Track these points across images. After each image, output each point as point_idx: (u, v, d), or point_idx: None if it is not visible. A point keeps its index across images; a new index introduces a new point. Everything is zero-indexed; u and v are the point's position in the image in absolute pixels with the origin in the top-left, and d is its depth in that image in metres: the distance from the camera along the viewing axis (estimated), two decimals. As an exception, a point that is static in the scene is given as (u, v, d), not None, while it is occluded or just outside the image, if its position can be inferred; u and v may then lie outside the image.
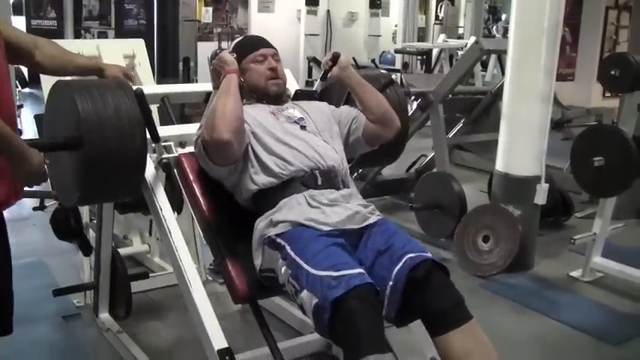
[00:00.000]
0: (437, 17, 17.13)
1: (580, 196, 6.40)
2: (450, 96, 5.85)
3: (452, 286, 2.51)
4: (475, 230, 4.89)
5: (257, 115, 2.87)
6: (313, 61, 3.45)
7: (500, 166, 4.99)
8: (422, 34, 16.07)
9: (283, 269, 2.53)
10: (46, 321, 3.97)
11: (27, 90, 11.61)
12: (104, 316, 3.87)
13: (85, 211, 4.15)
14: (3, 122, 2.27)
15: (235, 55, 2.92)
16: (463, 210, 5.20)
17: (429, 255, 2.54)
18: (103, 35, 12.25)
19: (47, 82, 4.51)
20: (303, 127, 2.91)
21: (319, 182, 2.76)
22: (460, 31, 16.65)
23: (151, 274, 4.24)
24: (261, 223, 2.71)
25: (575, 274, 4.97)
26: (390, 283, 2.47)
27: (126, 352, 3.55)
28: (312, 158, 2.79)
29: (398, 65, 13.77)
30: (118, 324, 3.79)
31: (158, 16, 11.56)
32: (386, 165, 5.52)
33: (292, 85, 3.46)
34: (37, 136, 5.19)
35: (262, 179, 2.77)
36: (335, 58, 3.02)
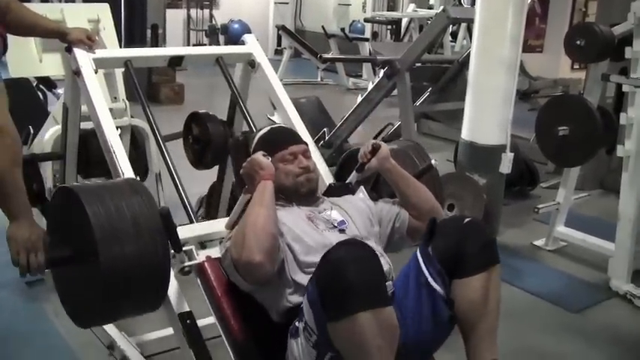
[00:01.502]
0: (407, -13, 17.07)
1: (546, 166, 6.46)
2: (417, 65, 5.84)
3: (477, 224, 2.43)
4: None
5: (292, 224, 2.48)
6: (349, 159, 3.17)
7: (465, 134, 5.00)
8: (392, 4, 16.00)
9: (300, 334, 2.23)
10: (8, 286, 3.95)
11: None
12: (67, 281, 3.83)
13: (48, 176, 4.11)
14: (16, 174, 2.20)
15: (270, 159, 2.54)
16: (439, 190, 5.21)
17: None
18: (70, 0, 12.06)
19: (11, 46, 4.47)
20: (342, 231, 2.53)
21: None
22: (431, 1, 16.63)
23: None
24: (290, 328, 2.35)
25: (538, 242, 5.03)
26: (430, 279, 2.30)
27: (88, 317, 3.53)
28: None
29: (367, 34, 13.73)
30: (81, 289, 3.76)
31: (125, -18, 11.42)
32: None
33: (325, 179, 3.09)
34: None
35: (299, 299, 2.33)
36: (375, 149, 2.71)
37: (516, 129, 5.39)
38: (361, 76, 12.26)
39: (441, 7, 6.84)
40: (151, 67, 8.63)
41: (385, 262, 2.47)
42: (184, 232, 2.62)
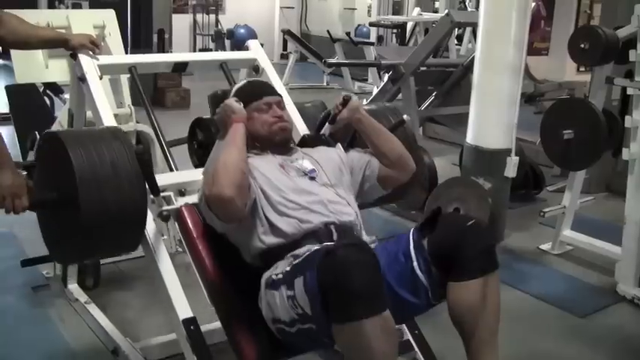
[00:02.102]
0: (413, -9, 17.06)
1: (552, 169, 6.45)
2: (421, 68, 5.84)
3: (479, 226, 2.46)
4: (445, 202, 4.89)
5: (265, 170, 2.64)
6: (327, 117, 3.28)
7: (470, 138, 4.99)
8: (397, 8, 15.98)
9: (282, 293, 2.33)
10: (14, 291, 3.96)
11: (0, 61, 11.51)
12: (73, 286, 3.86)
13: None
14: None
15: (243, 106, 2.71)
16: (434, 182, 5.21)
17: None
18: (77, 6, 12.06)
19: (16, 53, 4.50)
20: (312, 179, 2.69)
21: (334, 237, 2.53)
22: (436, 5, 16.61)
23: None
24: (266, 273, 2.50)
25: (544, 246, 5.02)
26: (415, 263, 2.39)
27: (93, 322, 3.56)
28: (326, 214, 2.58)
29: (373, 38, 13.72)
30: (86, 294, 3.79)
31: (132, -13, 11.49)
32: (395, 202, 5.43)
33: (300, 131, 3.28)
34: (8, 108, 5.16)
35: (272, 240, 2.53)
36: (345, 101, 2.89)
37: (522, 132, 5.38)
38: (367, 80, 12.26)
39: (445, 11, 6.83)
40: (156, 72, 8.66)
41: (352, 210, 2.66)
42: (164, 179, 2.87)
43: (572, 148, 4.56)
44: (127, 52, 8.40)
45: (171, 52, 11.30)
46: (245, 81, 3.03)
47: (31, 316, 3.72)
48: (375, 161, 2.85)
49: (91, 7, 11.63)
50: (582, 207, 5.15)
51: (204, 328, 2.63)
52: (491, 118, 4.89)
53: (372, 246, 2.53)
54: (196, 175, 2.82)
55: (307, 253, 2.33)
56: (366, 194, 2.89)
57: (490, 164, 4.89)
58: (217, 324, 2.75)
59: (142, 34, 11.04)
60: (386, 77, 5.84)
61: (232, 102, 2.70)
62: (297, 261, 2.35)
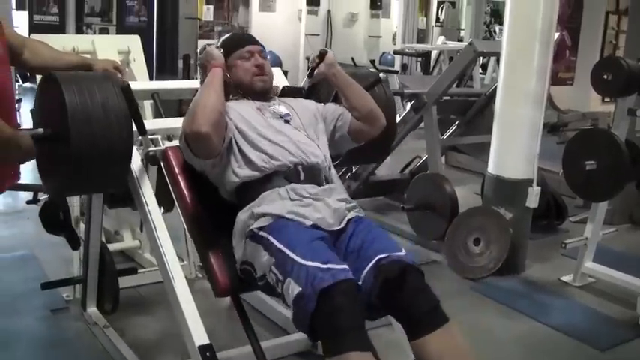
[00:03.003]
0: (437, 19, 17.12)
1: (575, 200, 6.40)
2: (444, 97, 5.83)
3: (426, 289, 2.51)
4: (466, 232, 4.89)
5: (242, 110, 2.89)
6: (309, 74, 3.41)
7: (492, 168, 4.99)
8: (422, 36, 16.05)
9: (265, 258, 2.54)
10: (33, 314, 3.97)
11: (28, 84, 11.65)
12: (92, 310, 3.87)
13: (75, 205, 4.15)
14: None
15: (222, 51, 2.96)
16: (454, 212, 5.20)
17: (403, 254, 2.55)
18: (104, 31, 12.25)
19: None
20: (287, 122, 2.93)
21: (302, 177, 2.78)
22: (461, 33, 16.65)
23: (140, 270, 4.26)
24: (242, 215, 2.73)
25: (566, 278, 4.97)
26: (360, 282, 2.47)
27: (111, 346, 3.56)
28: (295, 154, 2.81)
29: (397, 67, 13.76)
30: (105, 318, 3.79)
31: (158, 13, 11.59)
32: (374, 163, 5.53)
33: (280, 82, 3.49)
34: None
35: (245, 172, 2.78)
36: (322, 55, 3.07)
37: (545, 162, 5.35)
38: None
39: (469, 41, 6.83)
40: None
41: (320, 153, 2.89)
42: (153, 124, 3.18)
43: (594, 179, 4.52)
44: (152, 78, 8.49)
45: (196, 78, 11.37)
46: (230, 33, 3.33)
47: (49, 339, 3.74)
48: (347, 114, 3.06)
49: (118, 32, 11.80)
50: (605, 238, 5.10)
51: (220, 354, 2.63)
52: (513, 148, 4.89)
53: (352, 215, 2.74)
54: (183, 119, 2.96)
55: (305, 264, 2.39)
56: (338, 144, 3.10)
57: (511, 194, 4.89)
58: (234, 351, 2.77)
59: (167, 59, 11.14)
60: (408, 106, 5.83)
61: (213, 49, 2.97)
62: (290, 252, 2.45)
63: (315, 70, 3.07)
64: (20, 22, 11.87)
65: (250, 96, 3.01)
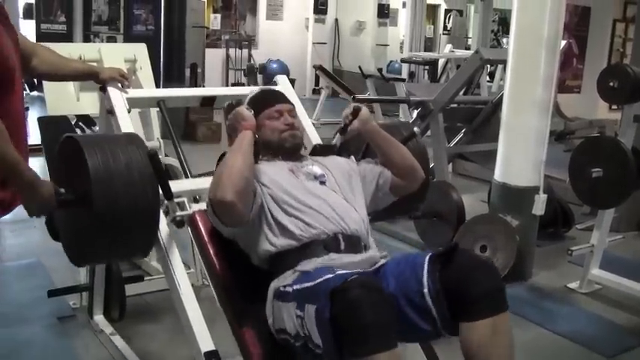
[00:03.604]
0: (445, 27, 17.14)
1: (582, 207, 6.40)
2: (451, 105, 5.84)
3: (490, 267, 2.46)
4: (473, 240, 4.88)
5: (274, 173, 2.70)
6: (341, 130, 3.29)
7: (498, 175, 4.99)
8: (429, 44, 16.07)
9: (289, 309, 2.38)
10: (40, 321, 3.99)
11: (35, 93, 11.69)
12: (98, 317, 3.88)
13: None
14: (16, 152, 2.28)
15: (252, 112, 2.76)
16: (461, 219, 5.20)
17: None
18: (111, 40, 12.26)
19: (48, 85, 4.57)
20: (322, 183, 2.76)
21: (342, 247, 2.60)
22: (469, 42, 16.66)
23: (147, 278, 4.26)
24: (274, 282, 2.56)
25: (572, 285, 4.97)
26: (425, 290, 2.37)
27: (118, 354, 3.58)
28: (334, 220, 2.62)
29: (404, 75, 13.77)
30: (111, 326, 3.81)
31: (165, 22, 11.61)
32: (409, 214, 5.41)
33: (312, 140, 3.36)
34: (39, 140, 5.23)
35: (281, 242, 2.59)
36: (356, 111, 2.88)
37: (551, 170, 5.36)
38: (398, 115, 12.26)
39: (475, 49, 6.84)
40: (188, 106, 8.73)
41: (359, 219, 2.70)
42: (179, 185, 2.95)
43: (601, 187, 4.53)
44: (159, 86, 8.50)
45: (203, 86, 11.40)
46: (259, 89, 3.09)
47: (56, 347, 3.75)
48: (386, 171, 2.91)
49: (125, 41, 11.83)
50: (611, 246, 5.11)
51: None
52: (520, 156, 4.89)
53: (383, 261, 2.61)
54: (210, 182, 2.77)
55: (319, 280, 2.31)
56: (379, 202, 2.93)
57: (518, 202, 4.89)
58: (240, 359, 2.75)
59: (174, 68, 11.14)
60: (415, 114, 5.85)
61: (243, 109, 2.76)
62: (308, 284, 2.35)
63: (349, 127, 2.89)
64: (27, 30, 11.90)
65: (281, 156, 2.82)
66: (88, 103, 4.60)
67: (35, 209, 2.43)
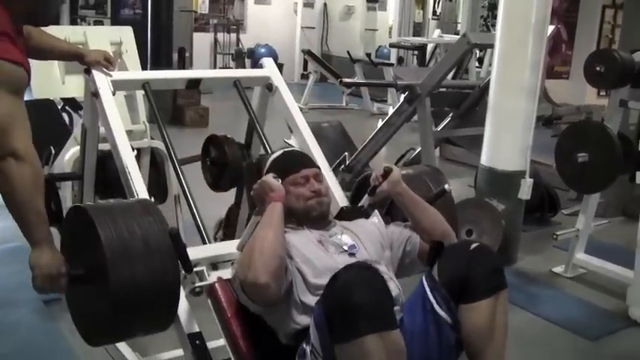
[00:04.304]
0: (434, 13, 17.11)
1: (568, 193, 6.43)
2: (438, 90, 5.84)
3: (485, 249, 2.43)
4: (459, 224, 4.88)
5: (302, 247, 2.49)
6: (364, 183, 3.16)
7: (485, 160, 5.00)
8: (418, 29, 16.03)
9: (308, 356, 2.25)
10: (26, 305, 3.99)
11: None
12: (84, 301, 3.86)
13: (68, 196, 4.15)
14: (43, 208, 2.23)
15: (280, 181, 2.58)
16: (448, 204, 5.20)
17: None
18: (98, 24, 12.20)
19: (33, 68, 4.53)
20: (352, 255, 2.53)
21: None
22: (458, 27, 16.64)
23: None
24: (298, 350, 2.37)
25: (557, 269, 5.00)
26: (435, 305, 2.32)
27: (104, 337, 3.56)
28: None
29: (393, 60, 13.76)
30: (97, 309, 3.79)
31: (152, 6, 11.57)
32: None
33: (339, 202, 3.12)
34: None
35: (307, 322, 2.33)
36: (387, 173, 2.73)
37: (539, 155, 5.36)
38: (386, 101, 12.28)
39: (462, 33, 6.84)
40: (177, 90, 8.70)
41: (395, 286, 2.47)
42: (196, 252, 2.65)
43: (586, 171, 4.55)
44: (147, 70, 8.46)
45: (191, 70, 11.37)
46: (281, 151, 2.86)
47: (42, 330, 3.76)
48: (415, 237, 2.70)
49: (113, 24, 11.77)
50: (597, 231, 5.13)
51: (210, 344, 2.62)
52: (506, 140, 4.91)
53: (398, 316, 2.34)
54: (229, 247, 2.70)
55: None
56: (406, 270, 2.74)
57: (504, 186, 4.91)
58: (223, 341, 2.74)
59: (162, 52, 11.12)
60: (402, 98, 5.84)
61: (270, 179, 2.56)
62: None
63: (378, 189, 2.74)
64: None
65: (306, 224, 2.63)
66: (73, 86, 4.56)
67: (42, 282, 2.27)
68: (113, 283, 2.15)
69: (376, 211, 2.84)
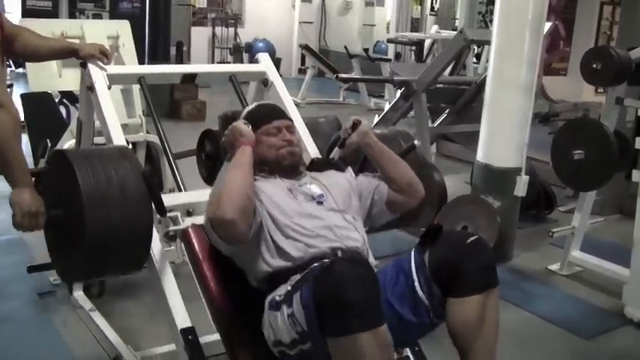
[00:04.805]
0: (432, 8, 17.10)
1: (565, 190, 6.41)
2: (434, 86, 5.84)
3: (480, 243, 2.43)
4: (454, 220, 4.88)
5: (273, 193, 2.60)
6: (337, 140, 3.24)
7: (481, 156, 5.00)
8: (416, 25, 16.02)
9: (283, 313, 2.31)
10: (20, 297, 4.00)
11: (20, 70, 11.62)
12: (78, 294, 3.88)
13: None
14: (22, 153, 2.38)
15: (252, 128, 2.70)
16: (443, 200, 5.17)
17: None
18: (97, 17, 12.18)
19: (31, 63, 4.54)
20: (320, 203, 2.64)
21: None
22: (456, 23, 16.62)
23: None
24: (268, 297, 2.47)
25: (553, 267, 4.99)
26: (416, 283, 2.38)
27: (97, 329, 3.57)
28: (333, 240, 2.54)
29: (390, 55, 13.75)
30: (91, 302, 3.80)
31: (151, 0, 11.57)
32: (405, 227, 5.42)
33: (310, 153, 3.23)
34: (23, 116, 5.20)
35: (278, 263, 2.49)
36: (355, 125, 2.85)
37: (536, 152, 5.36)
38: (384, 96, 12.27)
39: (459, 29, 6.83)
40: (173, 83, 8.69)
41: (360, 236, 2.62)
42: (172, 199, 2.85)
43: (582, 169, 4.53)
44: (144, 64, 8.45)
45: (189, 64, 11.35)
46: (255, 104, 2.99)
47: (35, 322, 3.76)
48: (383, 186, 2.80)
49: (111, 18, 11.76)
50: (593, 228, 5.14)
51: (203, 339, 2.63)
52: (502, 137, 4.90)
53: (375, 270, 2.47)
54: (204, 195, 2.73)
55: (307, 270, 2.33)
56: (374, 219, 2.84)
57: (500, 183, 4.90)
58: (216, 335, 2.75)
59: (159, 46, 11.11)
60: (398, 93, 5.84)
61: (241, 124, 2.69)
62: (297, 277, 2.36)
63: (348, 141, 2.86)
64: (13, 7, 11.82)
65: (278, 173, 2.73)
66: (70, 79, 4.56)
67: (22, 219, 2.41)
68: (89, 222, 2.28)
69: (349, 168, 2.93)
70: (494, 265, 2.42)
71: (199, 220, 2.73)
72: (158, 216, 2.60)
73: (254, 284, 2.59)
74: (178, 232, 2.73)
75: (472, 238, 2.45)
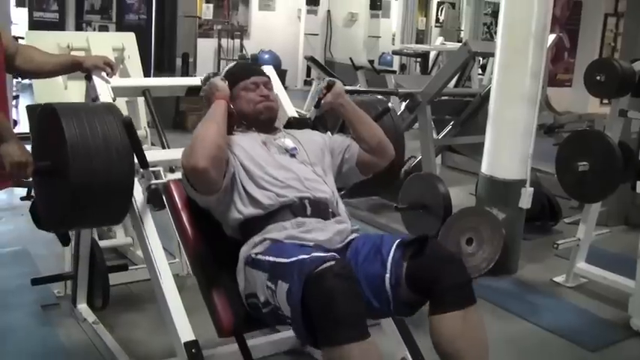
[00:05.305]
0: (437, 20, 17.11)
1: (570, 201, 6.40)
2: (439, 98, 5.84)
3: (458, 262, 2.50)
4: (459, 232, 4.88)
5: (247, 145, 2.78)
6: (315, 104, 3.34)
7: (485, 168, 4.99)
8: (421, 37, 16.04)
9: (261, 278, 2.48)
10: (24, 309, 3.99)
11: (27, 81, 11.65)
12: (82, 306, 3.87)
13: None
14: (2, 114, 2.60)
15: (227, 82, 2.87)
16: (448, 211, 5.19)
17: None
18: (104, 29, 12.20)
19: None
20: (293, 156, 2.83)
21: (308, 212, 2.68)
22: (461, 34, 16.63)
23: (132, 267, 4.25)
24: (244, 248, 2.65)
25: (558, 279, 4.97)
26: (387, 275, 2.46)
27: (101, 342, 3.57)
28: (302, 189, 2.71)
29: (396, 67, 13.76)
30: (94, 315, 3.80)
31: (157, 11, 11.58)
32: (379, 194, 5.49)
33: (287, 112, 3.43)
34: (28, 128, 5.22)
35: (249, 210, 2.68)
36: (330, 85, 3.00)
37: (540, 164, 5.34)
38: (389, 108, 12.25)
39: (464, 41, 6.84)
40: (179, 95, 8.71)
41: (328, 189, 2.80)
42: (155, 155, 3.02)
43: (587, 180, 4.53)
44: (150, 76, 8.48)
45: (195, 76, 11.36)
46: (235, 62, 3.20)
47: (38, 335, 3.75)
48: (355, 145, 2.98)
49: (117, 30, 11.79)
50: (598, 240, 5.11)
51: (206, 352, 2.63)
52: (507, 149, 4.89)
53: (354, 235, 2.72)
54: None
55: (294, 259, 2.37)
56: (345, 177, 3.02)
57: (505, 195, 4.89)
58: (220, 349, 2.76)
59: (165, 57, 11.13)
60: (403, 105, 5.85)
61: (217, 80, 2.87)
62: (282, 259, 2.43)
63: (323, 100, 3.01)
64: (20, 19, 11.85)
65: (255, 127, 2.92)
66: (75, 91, 4.58)
67: (11, 166, 2.71)
68: (73, 171, 2.46)
69: (328, 132, 3.17)
70: (469, 282, 2.48)
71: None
72: (142, 170, 2.80)
73: (228, 232, 2.79)
74: (160, 186, 2.86)
75: (449, 255, 2.54)
